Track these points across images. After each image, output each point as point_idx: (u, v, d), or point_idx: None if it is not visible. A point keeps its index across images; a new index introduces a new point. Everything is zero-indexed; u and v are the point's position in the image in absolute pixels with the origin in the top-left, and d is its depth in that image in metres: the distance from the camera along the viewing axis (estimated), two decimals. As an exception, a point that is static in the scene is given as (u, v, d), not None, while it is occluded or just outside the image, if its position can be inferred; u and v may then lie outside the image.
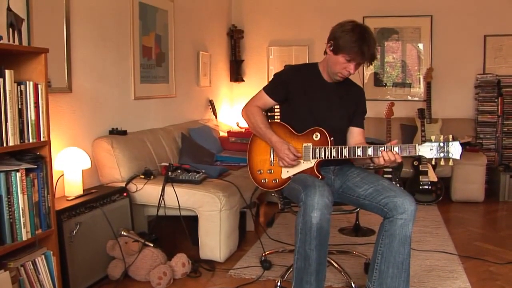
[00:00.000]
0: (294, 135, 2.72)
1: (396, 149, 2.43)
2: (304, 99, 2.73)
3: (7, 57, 2.35)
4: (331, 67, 2.65)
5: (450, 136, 2.39)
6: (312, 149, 2.62)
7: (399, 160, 2.44)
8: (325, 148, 2.58)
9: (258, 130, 2.78)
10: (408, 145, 2.42)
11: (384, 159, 2.44)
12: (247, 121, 2.87)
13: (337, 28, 2.59)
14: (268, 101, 2.82)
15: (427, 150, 2.38)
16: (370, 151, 2.48)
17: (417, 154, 2.40)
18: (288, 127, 2.75)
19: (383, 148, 2.45)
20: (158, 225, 3.49)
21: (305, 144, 2.66)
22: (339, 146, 2.56)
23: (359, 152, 2.51)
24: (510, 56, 5.56)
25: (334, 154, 2.56)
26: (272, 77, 2.87)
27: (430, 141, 2.38)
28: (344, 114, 2.78)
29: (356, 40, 2.49)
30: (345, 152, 2.53)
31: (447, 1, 5.70)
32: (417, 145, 2.40)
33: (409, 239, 2.37)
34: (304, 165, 2.64)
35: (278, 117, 2.95)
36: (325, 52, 2.69)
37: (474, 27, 5.64)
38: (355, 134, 2.82)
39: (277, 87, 2.80)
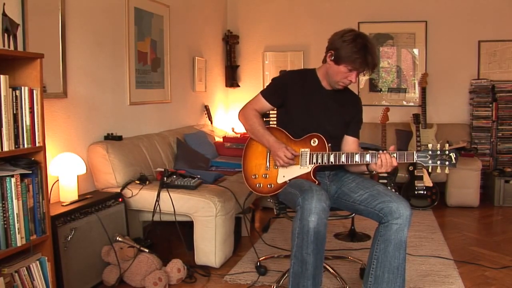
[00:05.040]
0: (291, 140, 2.72)
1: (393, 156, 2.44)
2: (302, 105, 2.73)
3: (2, 62, 2.34)
4: (332, 76, 2.65)
5: (447, 145, 2.41)
6: (310, 154, 2.62)
7: (395, 164, 2.44)
8: (322, 154, 2.59)
9: (255, 132, 2.78)
10: (406, 152, 2.43)
11: (382, 162, 2.44)
12: (244, 124, 2.87)
13: (337, 38, 2.58)
14: (266, 105, 2.83)
15: (424, 158, 2.39)
16: (368, 157, 2.49)
17: (414, 161, 2.41)
18: (285, 132, 2.76)
19: (382, 151, 2.46)
20: (153, 231, 3.48)
21: (302, 149, 2.66)
22: (337, 152, 2.56)
23: (357, 158, 2.51)
24: (504, 61, 5.59)
25: (331, 159, 2.56)
26: (270, 81, 2.87)
27: (427, 149, 2.39)
28: (341, 121, 2.78)
29: (359, 50, 2.49)
30: (343, 158, 2.54)
31: (441, 7, 5.73)
32: (414, 152, 2.41)
33: (404, 244, 2.37)
34: (301, 170, 2.64)
35: (275, 122, 2.95)
36: (324, 61, 2.69)
37: (469, 32, 5.68)
38: (349, 143, 2.83)
39: (275, 91, 2.81)
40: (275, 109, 2.91)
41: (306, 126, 2.71)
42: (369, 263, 2.46)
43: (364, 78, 6.00)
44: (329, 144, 2.62)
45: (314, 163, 2.61)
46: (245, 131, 2.91)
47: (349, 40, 2.52)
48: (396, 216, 2.34)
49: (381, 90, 6.02)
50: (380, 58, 5.96)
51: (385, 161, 2.44)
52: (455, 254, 3.58)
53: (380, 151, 2.47)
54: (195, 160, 4.31)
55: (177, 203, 3.25)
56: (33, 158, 2.38)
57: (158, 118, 4.54)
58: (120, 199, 3.23)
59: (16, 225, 2.24)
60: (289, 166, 2.66)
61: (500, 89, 5.45)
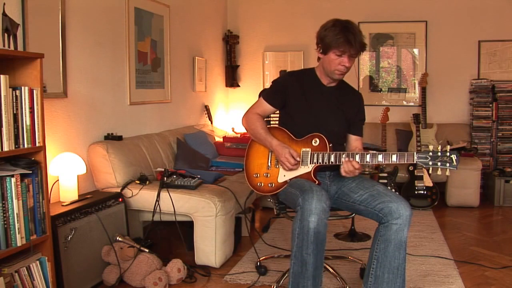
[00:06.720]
0: (293, 140, 2.72)
1: (394, 157, 2.43)
2: (303, 104, 2.74)
3: (2, 62, 2.35)
4: (327, 67, 2.67)
5: (448, 147, 2.40)
6: (311, 154, 2.63)
7: (357, 166, 2.47)
8: (323, 154, 2.59)
9: (258, 136, 2.78)
10: (406, 153, 2.42)
11: (344, 170, 2.48)
12: (247, 129, 2.87)
13: (320, 30, 2.66)
14: (268, 108, 2.84)
15: (424, 159, 2.38)
16: (368, 158, 2.49)
17: (415, 162, 2.41)
18: (287, 131, 2.76)
19: (345, 156, 2.50)
20: (153, 231, 3.48)
21: (303, 149, 2.66)
22: (338, 152, 2.56)
23: (357, 158, 2.51)
24: (504, 61, 5.59)
25: (332, 159, 2.56)
26: (271, 83, 2.90)
27: (428, 150, 2.38)
28: (343, 118, 2.79)
29: (340, 32, 2.53)
30: (343, 158, 2.54)
31: (441, 6, 5.74)
32: (415, 153, 2.40)
33: (404, 244, 2.37)
34: (302, 169, 2.64)
35: (277, 122, 2.96)
36: (318, 59, 2.73)
37: (469, 32, 5.68)
38: (352, 141, 2.84)
39: (276, 93, 2.82)
40: (278, 111, 2.92)
41: (308, 125, 2.71)
42: (369, 263, 2.46)
43: (363, 78, 5.99)
44: (330, 144, 2.62)
45: (315, 163, 2.61)
46: (245, 132, 2.92)
47: (330, 26, 2.59)
48: (396, 216, 2.34)
49: (381, 90, 6.02)
50: (380, 58, 5.96)
51: (347, 169, 2.48)
52: (455, 254, 3.58)
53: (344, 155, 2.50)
54: (195, 160, 4.31)
55: (177, 203, 3.24)
56: (33, 158, 2.38)
57: (158, 118, 4.53)
58: (120, 199, 3.23)
59: (16, 225, 2.24)
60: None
61: (500, 89, 5.45)
